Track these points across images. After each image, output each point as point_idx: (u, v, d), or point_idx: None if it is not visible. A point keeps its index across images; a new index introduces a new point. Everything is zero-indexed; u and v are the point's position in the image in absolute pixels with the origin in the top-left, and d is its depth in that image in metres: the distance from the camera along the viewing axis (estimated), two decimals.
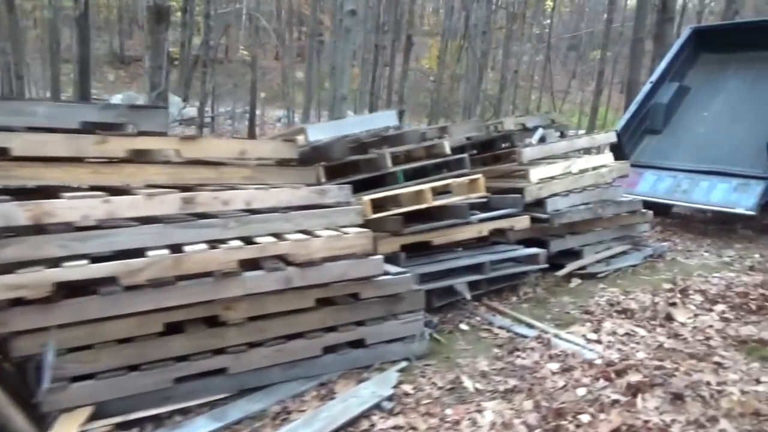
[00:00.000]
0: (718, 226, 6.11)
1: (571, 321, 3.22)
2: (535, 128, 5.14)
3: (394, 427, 2.10)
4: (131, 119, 2.27)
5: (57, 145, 2.10)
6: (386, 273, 2.64)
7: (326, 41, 15.93)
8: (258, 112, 14.18)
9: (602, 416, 2.05)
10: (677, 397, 2.15)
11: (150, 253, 2.09)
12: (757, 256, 4.82)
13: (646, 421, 1.99)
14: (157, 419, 2.14)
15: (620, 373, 2.34)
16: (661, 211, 5.91)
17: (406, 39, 13.35)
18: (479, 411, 2.17)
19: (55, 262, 1.96)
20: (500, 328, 3.12)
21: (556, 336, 2.91)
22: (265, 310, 2.34)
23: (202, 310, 2.22)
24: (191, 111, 13.97)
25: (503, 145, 4.72)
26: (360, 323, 2.57)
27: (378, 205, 3.05)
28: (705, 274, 4.14)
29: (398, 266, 2.90)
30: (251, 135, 12.57)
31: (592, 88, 16.70)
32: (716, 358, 2.55)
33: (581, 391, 2.24)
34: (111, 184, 2.26)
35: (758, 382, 2.33)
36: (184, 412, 2.19)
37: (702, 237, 5.62)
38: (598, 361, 2.51)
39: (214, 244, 2.23)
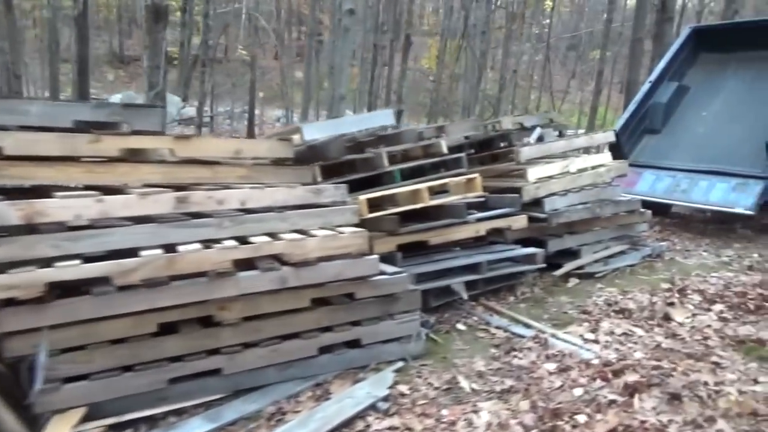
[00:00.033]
0: (717, 225, 6.10)
1: (568, 321, 3.21)
2: (533, 127, 5.13)
3: (390, 428, 2.08)
4: (125, 118, 2.26)
5: (50, 144, 2.09)
6: (382, 273, 2.63)
7: (325, 41, 15.92)
8: (257, 111, 14.17)
9: (599, 416, 2.03)
10: (674, 398, 2.13)
11: (143, 252, 2.08)
12: (755, 255, 4.81)
13: (643, 422, 1.97)
14: (151, 420, 2.12)
15: (617, 373, 2.33)
16: (660, 210, 5.91)
17: (405, 38, 13.32)
18: (475, 411, 2.15)
19: (47, 262, 1.95)
20: (497, 328, 3.11)
21: (553, 336, 2.89)
22: (260, 310, 2.33)
23: (196, 311, 2.21)
24: (190, 111, 13.96)
25: (501, 145, 4.71)
26: (356, 323, 2.56)
27: (374, 205, 3.04)
28: (703, 274, 4.13)
29: (395, 266, 2.89)
30: (250, 135, 12.55)
31: (592, 87, 16.69)
32: (714, 358, 2.53)
33: (578, 392, 2.22)
34: (105, 183, 2.24)
35: (756, 382, 2.32)
36: (179, 412, 2.18)
37: (701, 237, 5.61)
38: (595, 361, 2.50)
39: (208, 243, 2.21)
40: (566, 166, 4.28)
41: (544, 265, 3.79)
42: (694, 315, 3.16)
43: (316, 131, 3.26)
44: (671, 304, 3.34)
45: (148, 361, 2.13)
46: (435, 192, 3.32)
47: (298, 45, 21.43)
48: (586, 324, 3.08)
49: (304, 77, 14.69)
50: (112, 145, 2.22)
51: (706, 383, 2.24)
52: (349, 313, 2.54)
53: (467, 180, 3.43)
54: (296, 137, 3.11)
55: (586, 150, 5.35)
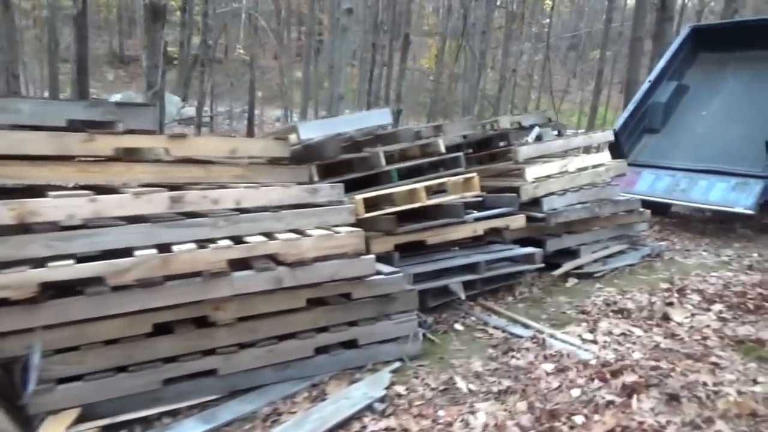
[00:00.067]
0: (717, 225, 6.08)
1: (567, 321, 3.19)
2: (532, 127, 5.11)
3: (386, 429, 2.07)
4: (119, 117, 2.24)
5: (42, 144, 2.07)
6: (378, 273, 2.61)
7: (325, 41, 15.90)
8: (257, 111, 14.17)
9: (596, 417, 2.02)
10: (673, 398, 2.11)
11: (137, 252, 2.06)
12: (755, 255, 4.79)
13: (641, 423, 1.96)
14: (145, 421, 2.11)
15: (615, 374, 2.31)
16: (659, 210, 5.89)
17: (404, 38, 13.30)
18: (472, 412, 2.14)
19: (40, 262, 1.93)
20: (495, 328, 3.09)
21: (551, 336, 2.87)
22: (255, 310, 2.32)
23: (191, 311, 2.19)
24: (190, 110, 13.95)
25: (500, 144, 4.69)
26: (352, 323, 2.54)
27: (371, 204, 3.02)
28: (703, 274, 4.11)
29: (392, 266, 2.87)
30: (250, 134, 12.56)
31: (592, 87, 16.68)
32: (713, 359, 2.51)
33: (575, 392, 2.21)
34: (98, 183, 2.23)
35: (755, 382, 2.30)
36: (174, 413, 2.17)
37: (700, 236, 5.59)
38: (594, 362, 2.48)
39: (203, 243, 2.20)
40: (565, 165, 4.26)
41: (542, 265, 3.76)
42: (693, 315, 3.14)
43: (312, 130, 3.24)
44: (670, 303, 3.32)
45: (142, 361, 2.12)
46: (432, 191, 3.30)
47: (298, 45, 21.44)
48: (584, 324, 3.07)
49: (304, 77, 14.68)
50: (105, 144, 2.20)
51: (704, 384, 2.22)
52: (346, 313, 2.53)
53: (465, 179, 3.41)
54: (292, 136, 3.09)
55: (586, 149, 5.33)
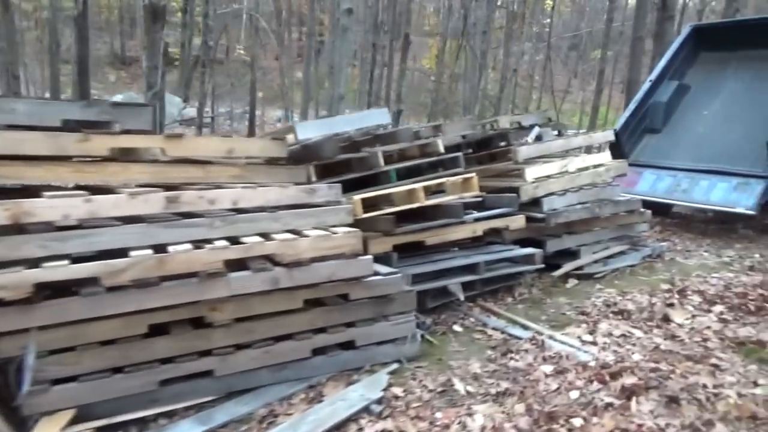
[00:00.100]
0: (718, 225, 6.06)
1: (566, 322, 3.17)
2: (531, 127, 5.09)
3: (383, 431, 2.05)
4: (115, 117, 2.23)
5: (37, 144, 2.06)
6: (376, 273, 2.60)
7: (326, 41, 15.89)
8: (258, 112, 14.17)
9: (595, 420, 2.00)
10: (672, 400, 2.10)
11: (133, 253, 2.05)
12: (757, 256, 4.76)
13: (640, 425, 1.94)
14: (141, 422, 2.10)
15: (615, 376, 2.30)
16: (660, 210, 5.86)
17: (404, 38, 13.28)
18: (470, 414, 2.12)
19: (35, 263, 1.92)
20: (494, 329, 3.07)
21: (550, 337, 2.86)
22: (252, 311, 2.30)
23: (187, 312, 2.18)
24: (191, 111, 13.96)
25: (499, 144, 4.67)
26: (350, 324, 2.53)
27: (370, 205, 3.01)
28: (704, 275, 4.08)
29: (390, 267, 2.86)
30: (251, 135, 12.53)
31: (593, 87, 16.65)
32: (713, 360, 2.50)
33: (574, 394, 2.19)
34: (94, 183, 2.22)
35: (756, 384, 2.28)
36: (170, 415, 2.16)
37: (702, 237, 5.56)
38: (593, 363, 2.46)
39: (199, 244, 2.19)
40: (565, 165, 4.24)
41: (542, 266, 3.74)
42: (693, 316, 3.12)
43: (310, 130, 3.23)
44: (671, 305, 3.30)
45: (138, 362, 2.11)
46: (431, 192, 3.29)
47: (299, 45, 21.44)
48: (584, 325, 3.05)
49: (304, 77, 14.67)
50: (101, 144, 2.19)
51: (704, 386, 2.20)
52: (343, 314, 2.51)
53: (464, 180, 3.40)
54: (290, 136, 3.08)
55: (587, 149, 5.32)
